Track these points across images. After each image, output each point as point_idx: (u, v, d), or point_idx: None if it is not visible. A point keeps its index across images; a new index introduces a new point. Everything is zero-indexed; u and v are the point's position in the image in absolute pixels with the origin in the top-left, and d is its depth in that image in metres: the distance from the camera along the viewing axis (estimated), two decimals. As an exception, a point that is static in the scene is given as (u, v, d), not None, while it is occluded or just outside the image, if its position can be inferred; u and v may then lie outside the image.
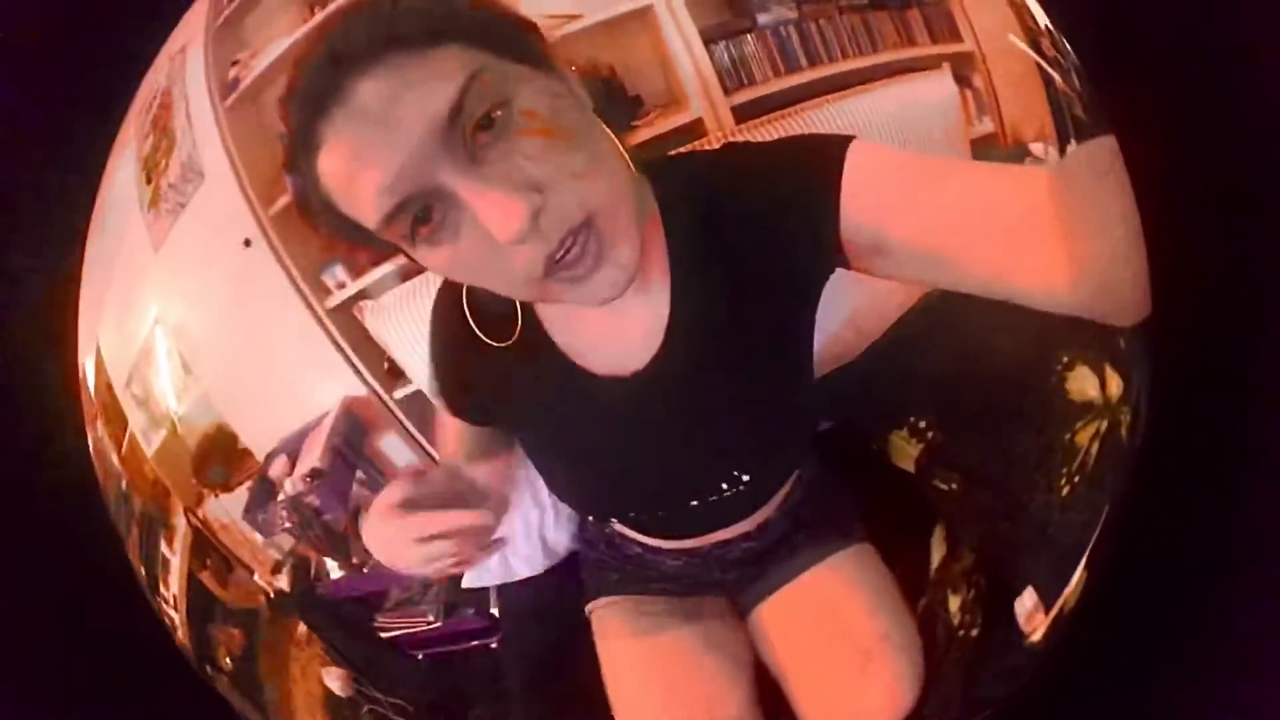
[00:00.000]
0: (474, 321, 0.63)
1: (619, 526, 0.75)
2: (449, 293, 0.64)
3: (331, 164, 0.54)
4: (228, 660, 0.81)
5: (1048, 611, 0.79)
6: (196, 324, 0.70)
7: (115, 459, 0.79)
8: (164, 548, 0.79)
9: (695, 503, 0.71)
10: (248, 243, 0.64)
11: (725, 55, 0.69)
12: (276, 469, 0.65)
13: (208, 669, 0.84)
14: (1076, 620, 0.79)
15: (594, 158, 0.55)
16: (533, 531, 0.73)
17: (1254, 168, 0.83)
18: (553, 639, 0.76)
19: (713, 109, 0.68)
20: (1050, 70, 0.77)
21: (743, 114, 0.69)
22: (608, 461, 0.70)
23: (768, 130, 0.68)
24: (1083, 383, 0.76)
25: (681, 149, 0.66)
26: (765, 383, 0.68)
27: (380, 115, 0.51)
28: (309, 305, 0.65)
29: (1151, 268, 0.68)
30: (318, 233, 0.59)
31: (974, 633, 0.79)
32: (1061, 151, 0.75)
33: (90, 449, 0.86)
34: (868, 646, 0.74)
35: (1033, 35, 0.79)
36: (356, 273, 0.66)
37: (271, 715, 0.82)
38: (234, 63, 0.71)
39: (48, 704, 0.94)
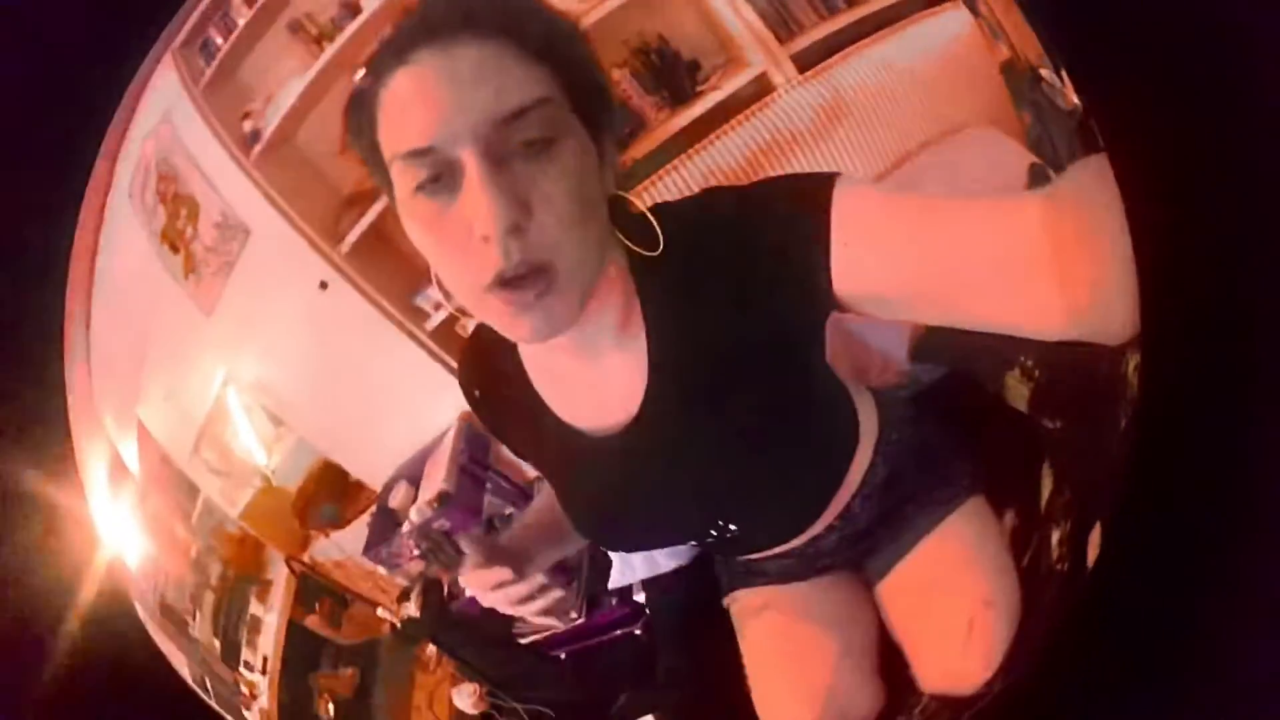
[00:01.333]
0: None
1: None
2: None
3: (406, 82, 0.60)
4: (330, 707, 0.82)
5: (1099, 543, 0.86)
6: (278, 375, 0.72)
7: (183, 529, 0.79)
8: (254, 606, 0.80)
9: (695, 544, 0.76)
10: (324, 285, 0.66)
11: (767, 4, 0.72)
12: (398, 498, 0.68)
13: None
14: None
15: (584, 221, 0.62)
16: None
17: (1251, 166, 0.91)
18: (698, 626, 0.81)
19: (774, 60, 0.72)
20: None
21: (802, 62, 0.72)
22: (599, 509, 0.74)
23: (834, 77, 0.73)
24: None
25: (657, 201, 0.69)
26: (751, 436, 0.71)
27: (468, 78, 0.58)
28: (408, 332, 0.67)
29: (1149, 265, 0.74)
30: (347, 129, 0.65)
31: (1064, 566, 0.85)
32: (1058, 74, 0.82)
33: (139, 529, 0.85)
34: (972, 614, 0.80)
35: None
36: None
37: None
38: (245, 115, 0.72)
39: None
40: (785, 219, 0.66)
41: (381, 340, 0.68)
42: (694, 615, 0.80)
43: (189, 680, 0.88)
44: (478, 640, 0.75)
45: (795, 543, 0.80)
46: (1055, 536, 0.83)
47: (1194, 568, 0.95)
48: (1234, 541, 0.94)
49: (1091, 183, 0.74)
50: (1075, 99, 0.85)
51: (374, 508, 0.71)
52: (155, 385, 0.78)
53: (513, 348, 0.69)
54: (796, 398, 0.72)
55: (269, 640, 0.81)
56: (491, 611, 0.74)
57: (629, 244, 0.65)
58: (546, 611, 0.71)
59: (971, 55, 0.79)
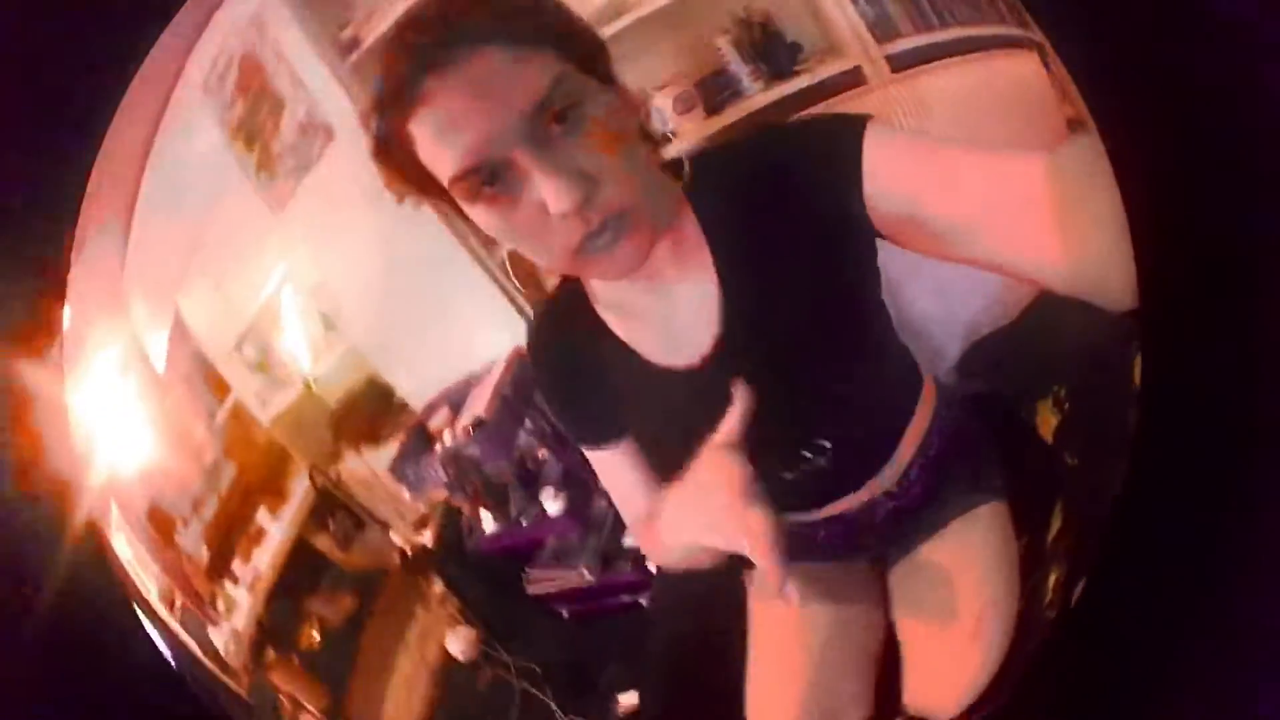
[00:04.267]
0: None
1: None
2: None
3: (429, 116, 0.68)
4: (316, 634, 0.84)
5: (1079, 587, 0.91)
6: (341, 281, 0.77)
7: (202, 430, 0.82)
8: (261, 517, 0.82)
9: (789, 475, 0.80)
10: (401, 198, 0.68)
11: (869, 7, 0.80)
12: (437, 420, 0.72)
13: (270, 653, 0.88)
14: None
15: (633, 165, 0.71)
16: None
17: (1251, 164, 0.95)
18: (702, 603, 0.84)
19: (869, 57, 0.79)
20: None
21: (895, 65, 0.80)
22: (684, 446, 0.77)
23: (921, 81, 0.80)
24: (1136, 369, 0.90)
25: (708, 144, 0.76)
26: (825, 356, 0.79)
27: (484, 89, 0.67)
28: (478, 259, 0.72)
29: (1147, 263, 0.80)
30: (384, 172, 0.73)
31: (1053, 613, 0.91)
32: None
33: (146, 427, 0.87)
34: (978, 612, 0.85)
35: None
36: None
37: (347, 700, 0.88)
38: (345, 24, 0.75)
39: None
40: (822, 152, 0.75)
41: (449, 262, 0.73)
42: (703, 591, 0.84)
43: (153, 596, 0.90)
44: (486, 582, 0.78)
45: (857, 500, 0.85)
46: (1053, 578, 0.88)
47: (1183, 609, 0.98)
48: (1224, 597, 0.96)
49: (1088, 155, 0.83)
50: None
51: (411, 428, 0.72)
52: (205, 277, 0.83)
53: (589, 307, 0.78)
54: (860, 320, 0.79)
55: (268, 555, 0.84)
56: (505, 555, 0.76)
57: (691, 183, 0.75)
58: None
59: (1045, 102, 0.87)
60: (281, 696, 0.92)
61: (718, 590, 0.84)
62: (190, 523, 0.90)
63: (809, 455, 0.80)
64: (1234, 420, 0.99)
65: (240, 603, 0.88)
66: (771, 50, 0.77)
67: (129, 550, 0.95)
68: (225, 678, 0.93)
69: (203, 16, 0.92)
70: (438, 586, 0.82)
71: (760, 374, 0.76)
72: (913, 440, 0.85)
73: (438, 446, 0.76)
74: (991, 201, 0.74)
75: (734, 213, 0.76)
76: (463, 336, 0.76)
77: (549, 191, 0.67)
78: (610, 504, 0.80)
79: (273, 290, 0.79)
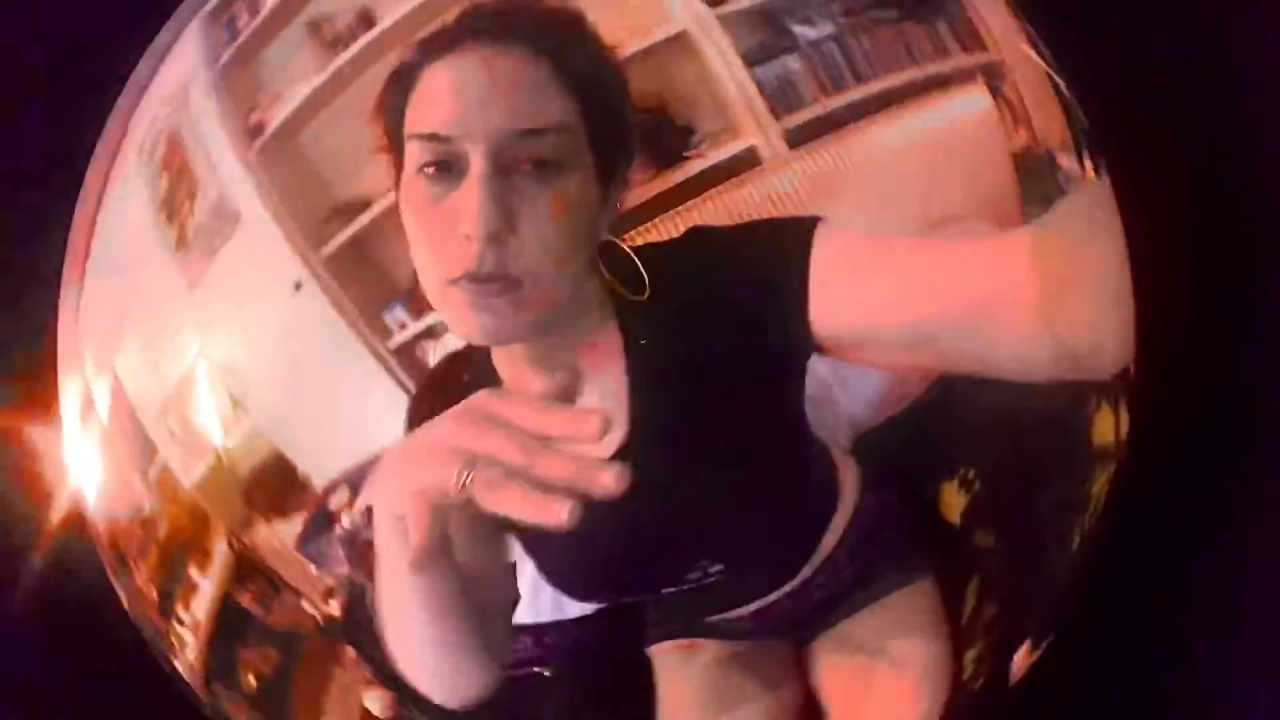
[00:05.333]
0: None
1: None
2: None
3: (445, 70, 0.68)
4: (253, 679, 0.90)
5: (1029, 657, 0.91)
6: (245, 361, 0.82)
7: (139, 484, 0.87)
8: (193, 572, 0.87)
9: (671, 590, 0.80)
10: (298, 286, 0.74)
11: (771, 77, 0.78)
12: (336, 500, 0.75)
13: (219, 688, 0.96)
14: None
15: (566, 252, 0.69)
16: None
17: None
18: (603, 677, 0.87)
19: (764, 135, 0.78)
20: (1055, 76, 0.88)
21: (795, 138, 0.78)
22: (575, 548, 0.78)
23: (822, 156, 0.78)
24: (1104, 427, 0.87)
25: (640, 243, 0.74)
26: (734, 473, 0.77)
27: (501, 84, 0.66)
28: (370, 346, 0.77)
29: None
30: (377, 112, 0.73)
31: (977, 684, 0.90)
32: (1080, 161, 0.85)
33: (99, 470, 0.93)
34: (913, 684, 0.87)
35: (1033, 41, 0.89)
36: (419, 313, 0.76)
37: None
38: (252, 109, 0.82)
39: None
40: (765, 258, 0.72)
41: (344, 348, 0.77)
42: (603, 662, 0.87)
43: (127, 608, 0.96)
44: (392, 651, 0.81)
45: (773, 597, 0.85)
46: (971, 654, 0.89)
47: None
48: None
49: (1085, 213, 0.78)
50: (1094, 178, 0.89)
51: (314, 506, 0.76)
52: (134, 340, 0.87)
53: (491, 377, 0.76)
54: (778, 436, 0.77)
55: (202, 606, 0.89)
56: (410, 626, 0.80)
57: (616, 286, 0.72)
58: None
59: (985, 140, 0.83)
60: (240, 720, 0.97)
61: (617, 662, 0.87)
62: (140, 564, 0.95)
63: (693, 577, 0.80)
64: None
65: (188, 642, 0.94)
66: (659, 138, 0.76)
67: (110, 570, 1.01)
68: (189, 692, 0.98)
69: (149, 73, 0.96)
70: (351, 651, 0.86)
71: (658, 489, 0.73)
72: (835, 533, 0.84)
73: (337, 527, 0.79)
74: (963, 301, 0.71)
75: (653, 319, 0.73)
76: (358, 419, 0.79)
77: (469, 203, 0.66)
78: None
79: (189, 363, 0.84)
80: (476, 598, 0.77)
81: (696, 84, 0.78)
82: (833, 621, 0.89)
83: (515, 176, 0.66)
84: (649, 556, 0.80)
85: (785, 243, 0.72)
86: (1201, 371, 0.99)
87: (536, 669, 0.85)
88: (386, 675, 0.87)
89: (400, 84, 0.69)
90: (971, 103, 0.84)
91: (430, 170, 0.67)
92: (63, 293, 1.02)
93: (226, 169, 0.81)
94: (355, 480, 0.81)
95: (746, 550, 0.82)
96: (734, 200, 0.77)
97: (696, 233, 0.75)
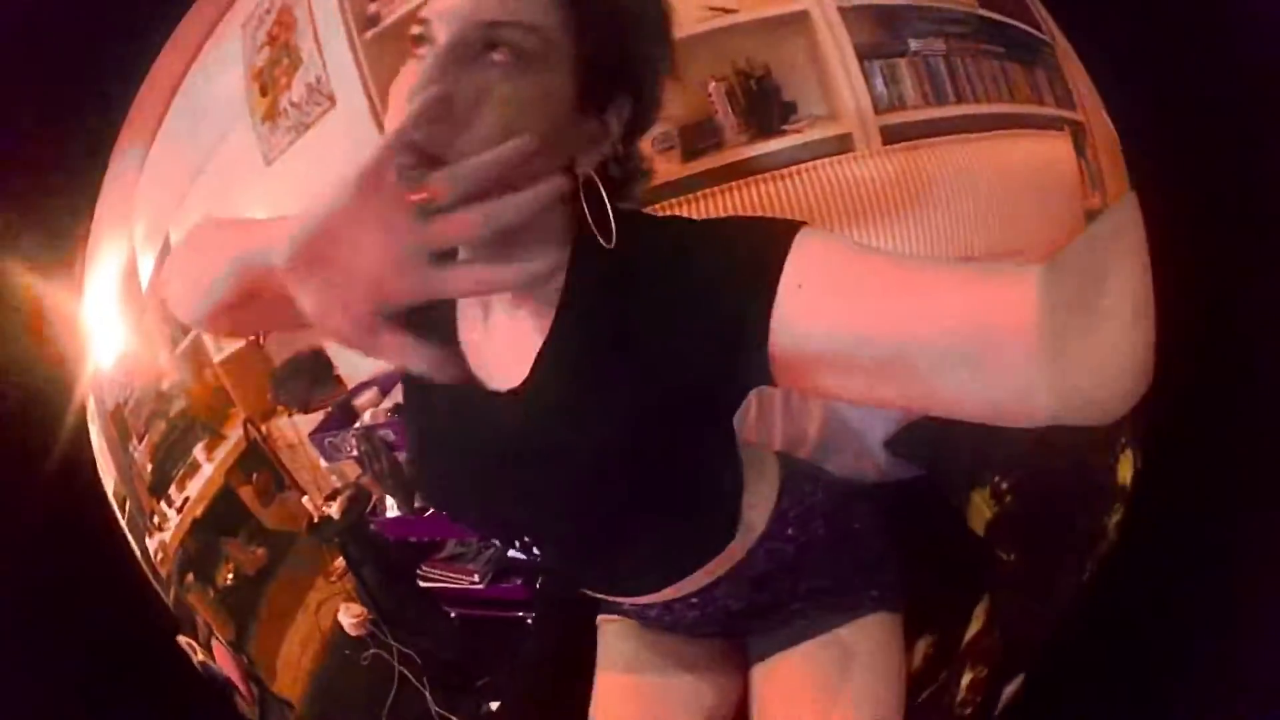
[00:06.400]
0: None
1: None
2: None
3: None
4: (230, 576, 0.89)
5: (1018, 690, 0.89)
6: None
7: (165, 356, 0.87)
8: (198, 452, 0.88)
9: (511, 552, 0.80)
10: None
11: (879, 74, 0.80)
12: (363, 398, 0.75)
13: (190, 577, 0.91)
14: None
15: (502, 133, 0.64)
16: None
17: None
18: (576, 632, 0.88)
19: (863, 126, 0.79)
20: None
21: (890, 136, 0.79)
22: (458, 463, 0.78)
23: (913, 159, 0.79)
24: (1126, 467, 0.86)
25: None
26: (617, 468, 0.73)
27: None
28: None
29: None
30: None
31: (967, 711, 0.89)
32: None
33: (124, 338, 0.93)
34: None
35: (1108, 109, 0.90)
36: None
37: (249, 639, 0.90)
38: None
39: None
40: (737, 253, 0.68)
41: None
42: (579, 617, 0.88)
43: (109, 493, 0.95)
44: (382, 566, 0.82)
45: (643, 600, 0.85)
46: (968, 678, 0.88)
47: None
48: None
49: (1106, 244, 0.73)
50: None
51: (340, 400, 0.76)
52: (197, 209, 0.86)
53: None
54: (682, 449, 0.74)
55: (199, 488, 0.88)
56: (403, 544, 0.79)
57: (590, 224, 0.69)
58: None
59: (1063, 189, 0.84)
60: (199, 618, 0.98)
61: (588, 626, 0.88)
62: (142, 438, 0.95)
63: (519, 546, 0.79)
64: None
65: (172, 522, 0.94)
66: (763, 105, 0.78)
67: (98, 442, 1.01)
68: (156, 584, 0.98)
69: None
70: (339, 561, 0.86)
71: (537, 436, 0.73)
72: (729, 559, 0.83)
73: (358, 422, 0.79)
74: (956, 332, 0.62)
75: (609, 273, 0.70)
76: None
77: (415, 79, 0.65)
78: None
79: (252, 235, 0.84)
80: None
81: (808, 63, 0.79)
82: (766, 640, 0.88)
83: (476, 66, 0.65)
84: (504, 498, 0.78)
85: (761, 241, 0.67)
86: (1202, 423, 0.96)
87: (517, 613, 0.85)
88: (371, 592, 0.87)
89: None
90: (1056, 150, 0.85)
91: (418, 50, 0.68)
92: (116, 157, 1.02)
93: (334, 52, 0.82)
94: (387, 384, 0.81)
95: (586, 550, 0.80)
96: (815, 180, 0.78)
97: (684, 221, 0.74)
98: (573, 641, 0.88)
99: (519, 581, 0.84)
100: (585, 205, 0.69)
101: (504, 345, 0.74)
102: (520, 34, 0.66)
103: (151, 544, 0.98)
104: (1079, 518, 0.87)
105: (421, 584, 0.86)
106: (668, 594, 0.82)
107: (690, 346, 0.68)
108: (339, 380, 0.83)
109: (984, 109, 0.82)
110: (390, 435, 0.80)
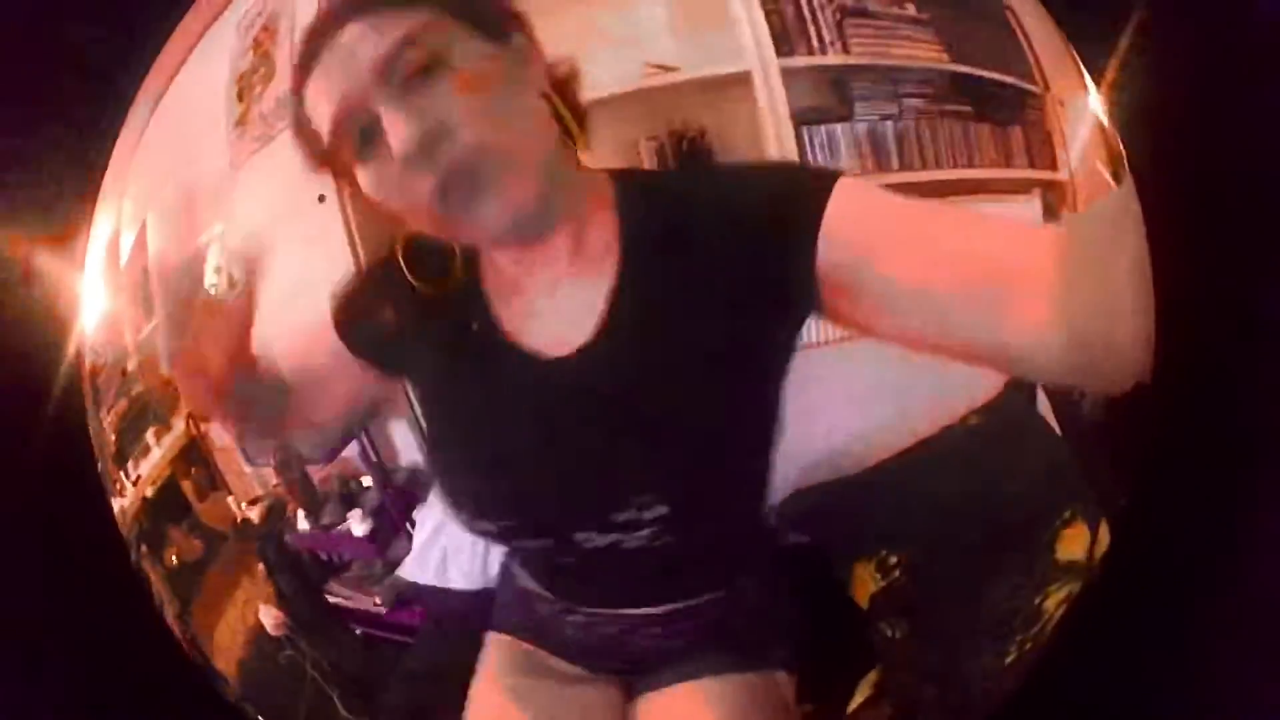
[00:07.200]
0: (405, 264, 0.77)
1: (526, 582, 0.87)
2: None
3: (312, 87, 0.73)
4: (174, 559, 0.93)
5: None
6: (254, 256, 0.83)
7: (130, 338, 0.91)
8: (149, 436, 0.91)
9: (585, 534, 0.79)
10: (322, 199, 0.77)
11: (813, 142, 0.79)
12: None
13: (145, 549, 0.96)
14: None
15: (510, 113, 0.71)
16: (479, 549, 0.87)
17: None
18: (459, 656, 0.89)
19: None
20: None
21: None
22: (502, 442, 0.80)
23: None
24: (1074, 542, 0.84)
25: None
26: (697, 405, 0.76)
27: (347, 55, 0.70)
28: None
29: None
30: (306, 152, 0.77)
31: None
32: None
33: (95, 309, 0.96)
34: None
35: (1115, 162, 0.87)
36: None
37: (190, 617, 0.94)
38: None
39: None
40: (783, 193, 0.73)
41: (338, 276, 0.76)
42: (460, 642, 0.89)
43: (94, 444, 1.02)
44: (296, 575, 0.85)
45: (613, 611, 0.86)
46: None
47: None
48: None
49: (1117, 216, 0.77)
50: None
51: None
52: (170, 200, 0.91)
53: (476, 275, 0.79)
54: (742, 390, 0.77)
55: (148, 471, 0.92)
56: (314, 556, 0.82)
57: (568, 130, 0.73)
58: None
59: None
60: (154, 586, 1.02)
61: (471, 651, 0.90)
62: (109, 409, 0.99)
63: (636, 514, 0.78)
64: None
65: (129, 494, 0.99)
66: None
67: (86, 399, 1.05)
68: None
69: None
70: (261, 567, 0.89)
71: (606, 399, 0.76)
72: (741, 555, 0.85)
73: (280, 434, 0.83)
74: (982, 274, 0.69)
75: (658, 231, 0.75)
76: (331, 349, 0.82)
77: (390, 132, 0.68)
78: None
79: (206, 240, 0.87)
80: None
81: (746, 126, 0.79)
82: (656, 676, 0.89)
83: (413, 89, 0.69)
84: (585, 477, 0.79)
85: (804, 182, 0.73)
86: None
87: (399, 637, 0.88)
88: (286, 598, 0.90)
89: (304, 128, 0.75)
90: (1023, 218, 0.83)
91: (361, 150, 0.71)
92: (134, 109, 1.05)
93: (300, 68, 0.84)
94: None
95: (685, 500, 0.79)
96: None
97: (717, 165, 0.76)
98: (459, 658, 0.89)
99: (418, 610, 0.86)
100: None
101: (557, 314, 0.77)
102: (420, 38, 0.69)
103: (115, 506, 1.03)
104: (994, 598, 0.84)
105: (329, 599, 0.89)
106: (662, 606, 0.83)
107: (744, 288, 0.73)
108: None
109: (935, 175, 0.81)
110: (305, 449, 0.83)
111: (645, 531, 0.78)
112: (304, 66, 0.73)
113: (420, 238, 0.77)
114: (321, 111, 0.72)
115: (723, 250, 0.74)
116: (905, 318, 0.71)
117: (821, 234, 0.71)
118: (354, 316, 0.80)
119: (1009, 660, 0.86)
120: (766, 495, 0.79)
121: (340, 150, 0.72)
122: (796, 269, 0.71)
